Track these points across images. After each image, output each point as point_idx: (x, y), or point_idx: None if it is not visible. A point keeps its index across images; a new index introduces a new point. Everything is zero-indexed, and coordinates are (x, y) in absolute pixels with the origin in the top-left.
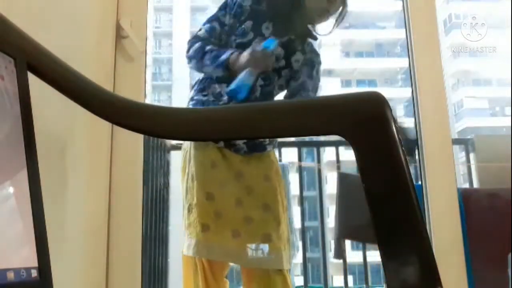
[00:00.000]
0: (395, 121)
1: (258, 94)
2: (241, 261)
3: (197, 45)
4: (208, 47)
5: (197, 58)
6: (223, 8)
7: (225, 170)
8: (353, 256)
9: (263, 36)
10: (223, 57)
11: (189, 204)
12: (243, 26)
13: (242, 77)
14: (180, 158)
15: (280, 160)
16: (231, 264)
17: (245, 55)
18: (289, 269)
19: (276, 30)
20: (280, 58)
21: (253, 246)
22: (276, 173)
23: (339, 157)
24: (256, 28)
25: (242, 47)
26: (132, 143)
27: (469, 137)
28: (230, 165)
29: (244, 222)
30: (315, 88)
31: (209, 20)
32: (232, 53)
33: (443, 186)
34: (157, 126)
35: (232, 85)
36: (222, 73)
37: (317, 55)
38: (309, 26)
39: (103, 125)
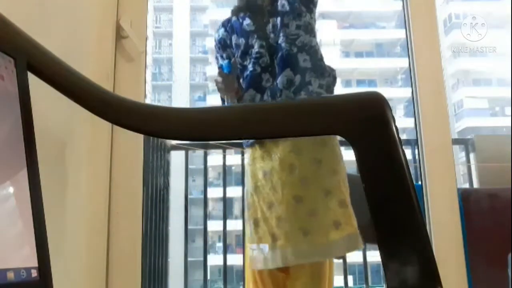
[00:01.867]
0: (395, 121)
1: (279, 59)
2: (315, 257)
3: None
4: None
5: None
6: (216, 54)
7: (276, 172)
8: (353, 256)
9: (251, 33)
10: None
11: (254, 218)
12: (233, 43)
13: None
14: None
15: None
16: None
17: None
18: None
19: (254, 20)
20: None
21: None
22: (331, 155)
23: None
24: (241, 33)
25: (245, 55)
26: (132, 143)
27: (469, 137)
28: (280, 162)
29: (309, 217)
30: None
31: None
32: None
33: (443, 186)
34: (157, 126)
35: None
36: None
37: None
38: None
39: (103, 125)
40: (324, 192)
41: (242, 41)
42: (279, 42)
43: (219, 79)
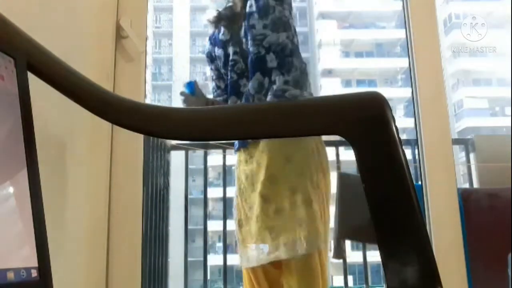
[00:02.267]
0: (395, 121)
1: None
2: (281, 255)
3: None
4: None
5: None
6: (210, 66)
7: (254, 173)
8: (353, 256)
9: (227, 42)
10: None
11: (238, 219)
12: (216, 55)
13: None
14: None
15: None
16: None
17: None
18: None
19: (228, 29)
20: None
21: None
22: (302, 154)
23: (339, 157)
24: (220, 44)
25: (226, 65)
26: (132, 143)
27: (469, 137)
28: (256, 164)
29: (276, 216)
30: None
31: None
32: None
33: (443, 186)
34: (157, 126)
35: None
36: None
37: None
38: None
39: (103, 125)
40: (291, 191)
41: (221, 52)
42: (248, 46)
43: (182, 98)
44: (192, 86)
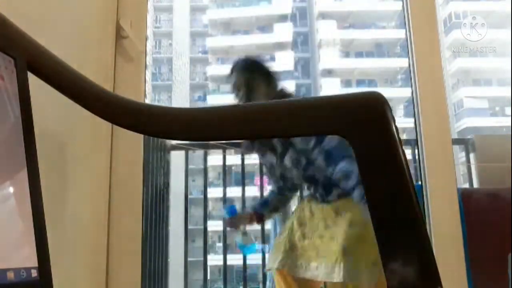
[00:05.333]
0: (395, 121)
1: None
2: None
3: None
4: None
5: None
6: None
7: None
8: None
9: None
10: None
11: (285, 227)
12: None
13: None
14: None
15: None
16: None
17: None
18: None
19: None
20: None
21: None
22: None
23: None
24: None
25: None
26: (132, 143)
27: (469, 137)
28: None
29: (329, 242)
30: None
31: None
32: None
33: (443, 186)
34: (157, 126)
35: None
36: None
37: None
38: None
39: (103, 125)
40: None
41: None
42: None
43: (228, 226)
44: (233, 209)
